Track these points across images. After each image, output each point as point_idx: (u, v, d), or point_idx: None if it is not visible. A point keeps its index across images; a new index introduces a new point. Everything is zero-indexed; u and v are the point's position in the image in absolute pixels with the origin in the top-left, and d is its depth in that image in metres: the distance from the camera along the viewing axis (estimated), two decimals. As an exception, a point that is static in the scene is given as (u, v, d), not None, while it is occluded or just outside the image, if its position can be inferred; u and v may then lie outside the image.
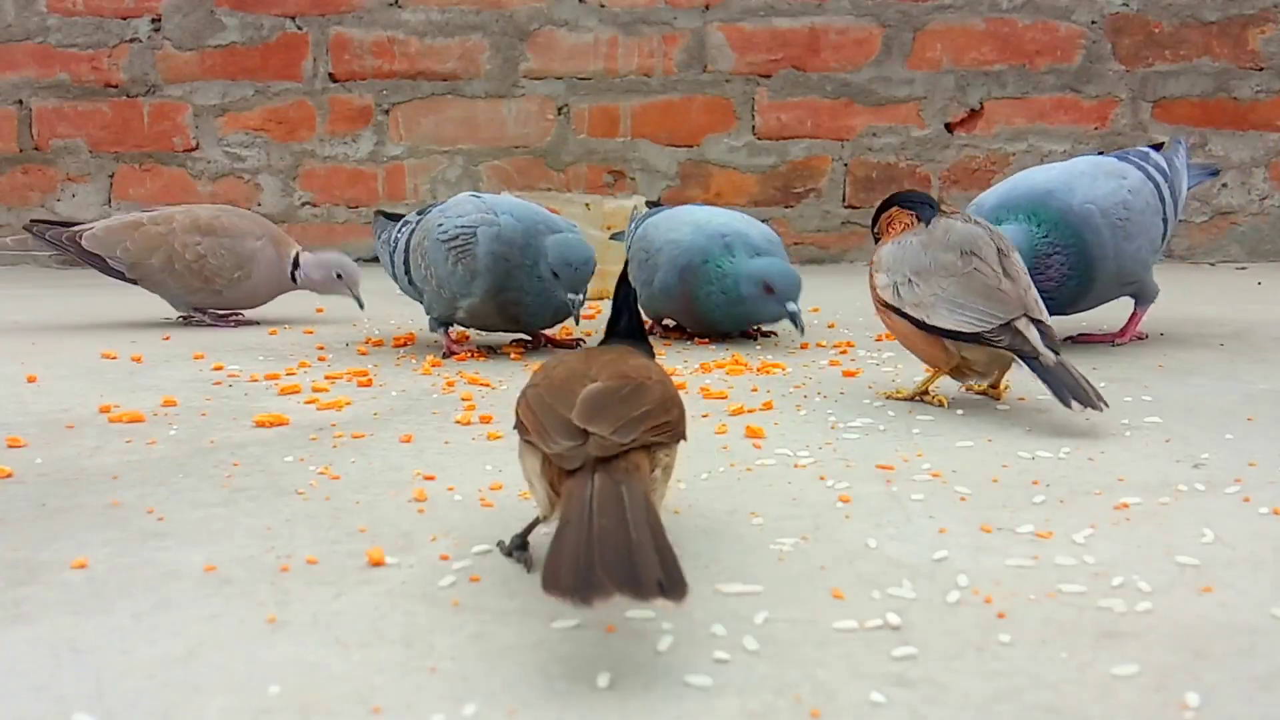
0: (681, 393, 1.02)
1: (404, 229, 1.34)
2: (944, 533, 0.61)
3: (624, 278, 0.66)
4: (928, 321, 0.92)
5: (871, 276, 0.99)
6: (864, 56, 2.41)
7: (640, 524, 0.47)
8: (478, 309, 1.23)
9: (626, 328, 0.66)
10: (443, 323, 1.29)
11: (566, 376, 0.57)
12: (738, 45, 2.42)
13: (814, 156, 2.44)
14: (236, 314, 1.58)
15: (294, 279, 1.53)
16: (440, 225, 1.24)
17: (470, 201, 1.26)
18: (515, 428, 0.58)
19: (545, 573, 0.44)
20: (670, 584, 0.43)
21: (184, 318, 1.57)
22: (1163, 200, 1.25)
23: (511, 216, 1.22)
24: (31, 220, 1.55)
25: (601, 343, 0.67)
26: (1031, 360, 0.88)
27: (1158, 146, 1.35)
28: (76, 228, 1.51)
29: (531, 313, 1.24)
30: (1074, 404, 0.84)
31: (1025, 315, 0.90)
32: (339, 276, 1.52)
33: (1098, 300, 1.24)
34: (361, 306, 1.54)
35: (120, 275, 1.51)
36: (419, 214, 1.33)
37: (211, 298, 1.52)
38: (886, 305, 0.96)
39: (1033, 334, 0.89)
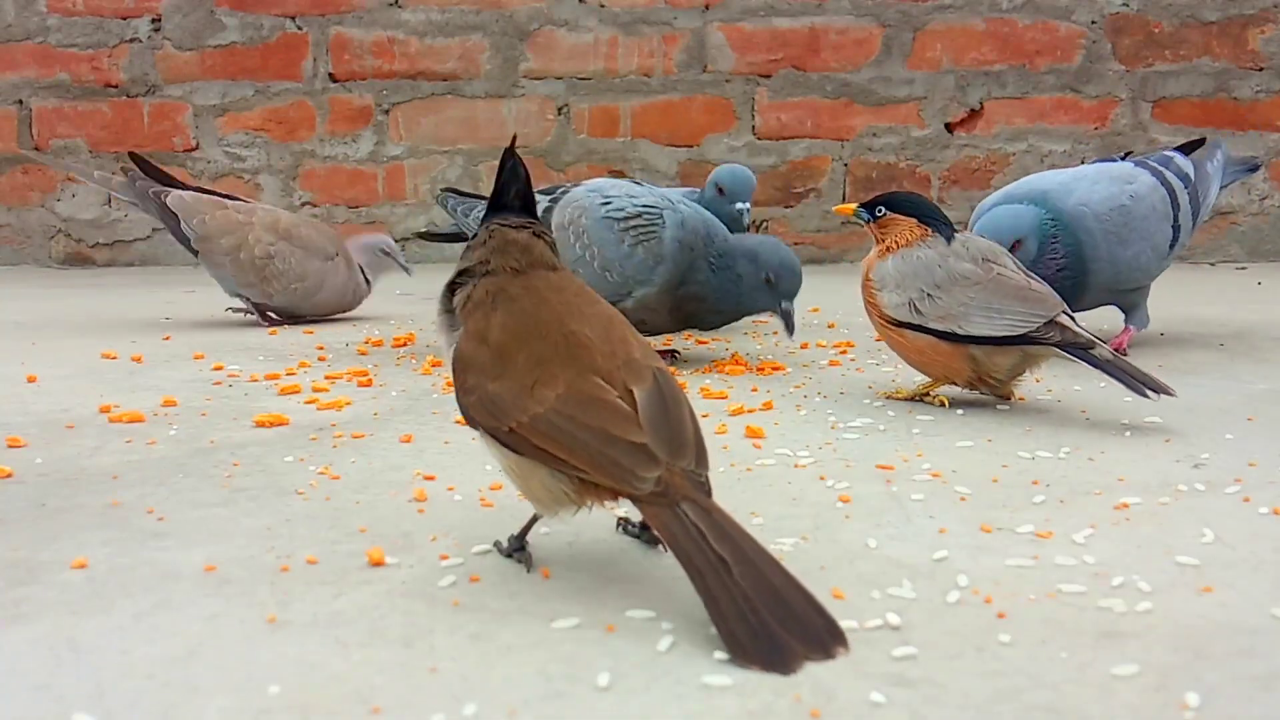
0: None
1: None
2: (944, 533, 0.61)
3: (510, 150, 0.59)
4: (961, 332, 0.90)
5: (871, 294, 0.96)
6: (864, 56, 2.41)
7: (768, 563, 0.47)
8: (653, 300, 1.14)
9: (515, 202, 0.60)
10: None
11: (578, 384, 0.52)
12: (738, 45, 2.42)
13: (814, 156, 2.44)
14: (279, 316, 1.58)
15: (367, 281, 1.61)
16: (607, 203, 1.16)
17: (630, 185, 1.18)
18: (510, 446, 0.53)
19: (727, 642, 0.45)
20: (835, 632, 0.45)
21: (240, 309, 1.58)
22: (1175, 206, 1.22)
23: (687, 207, 1.15)
24: (132, 156, 1.57)
25: (487, 217, 0.60)
26: (1088, 353, 0.87)
27: (1196, 145, 1.32)
28: (167, 186, 1.56)
29: (711, 310, 1.15)
30: (1149, 392, 0.84)
31: (1064, 312, 0.89)
32: (385, 253, 1.62)
33: (1090, 304, 1.23)
34: (410, 273, 1.65)
35: (186, 243, 1.54)
36: (544, 193, 1.22)
37: (261, 296, 1.53)
38: (898, 324, 0.94)
39: (1080, 328, 0.88)
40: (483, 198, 1.33)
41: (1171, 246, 1.23)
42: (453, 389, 0.57)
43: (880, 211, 0.98)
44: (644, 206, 1.14)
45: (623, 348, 0.55)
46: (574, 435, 0.51)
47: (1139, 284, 1.23)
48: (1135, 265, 1.20)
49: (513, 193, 0.60)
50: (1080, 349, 0.87)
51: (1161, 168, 1.24)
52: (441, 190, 1.41)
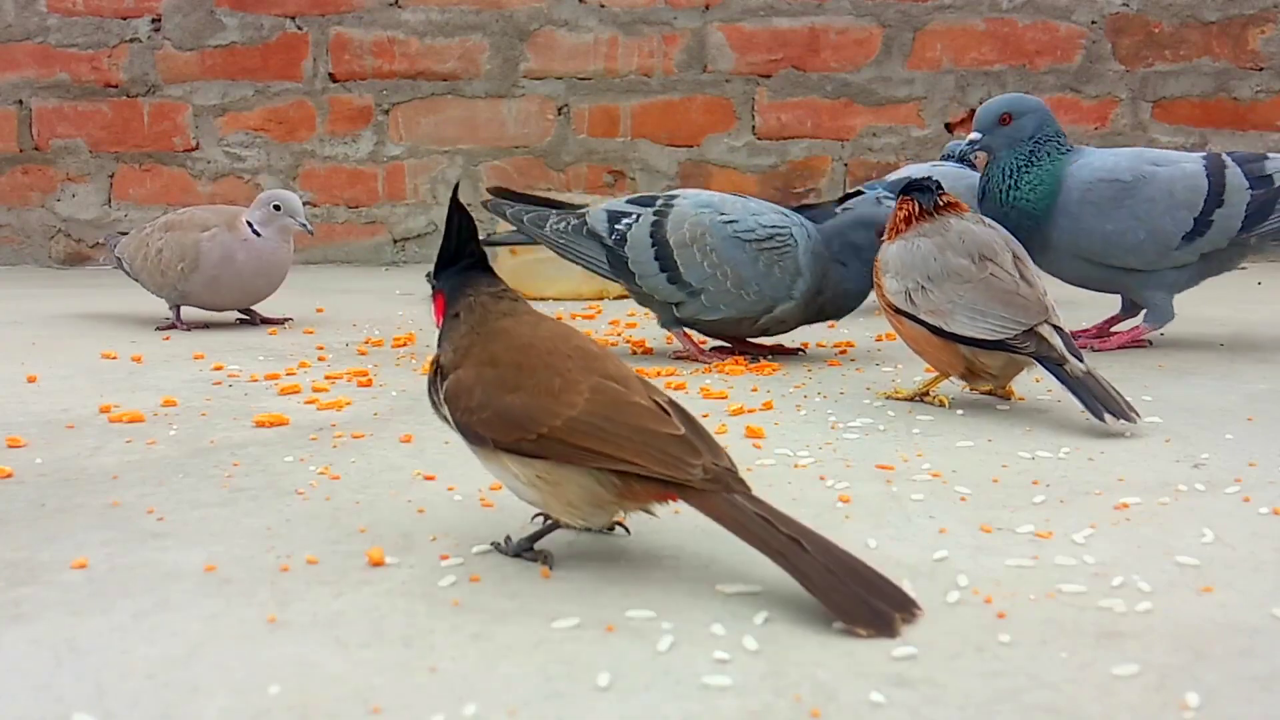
0: (681, 393, 1.02)
1: (628, 221, 1.20)
2: (944, 533, 0.61)
3: (455, 202, 0.59)
4: (946, 329, 0.91)
5: (878, 277, 0.97)
6: (864, 56, 2.41)
7: (828, 541, 0.50)
8: (794, 311, 1.17)
9: (459, 252, 0.60)
10: (679, 322, 1.21)
11: (603, 386, 0.53)
12: (738, 45, 2.42)
13: (814, 156, 2.44)
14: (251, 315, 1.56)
15: (257, 234, 1.47)
16: (733, 221, 1.17)
17: (743, 200, 1.20)
18: (536, 454, 0.53)
19: (834, 610, 0.47)
20: (907, 598, 0.49)
21: (241, 319, 1.57)
22: (1217, 202, 1.18)
23: (796, 216, 1.19)
24: (108, 235, 1.66)
25: (438, 271, 0.60)
26: (1058, 368, 0.86)
27: None
28: (120, 239, 1.61)
29: (855, 296, 1.19)
30: (1107, 417, 0.82)
31: (1047, 321, 0.88)
32: (277, 209, 1.47)
33: (1058, 269, 1.22)
34: (310, 232, 1.49)
35: (130, 275, 1.56)
36: (638, 203, 1.22)
37: (171, 293, 1.49)
38: (897, 310, 0.95)
39: (1057, 341, 0.87)
40: (536, 199, 1.28)
41: (1191, 239, 1.19)
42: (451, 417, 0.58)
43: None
44: (774, 227, 1.17)
45: (624, 368, 0.57)
46: (616, 432, 0.52)
47: (1126, 264, 1.22)
48: (1116, 242, 1.20)
49: (468, 247, 0.60)
50: (1053, 363, 0.87)
51: (1233, 164, 1.20)
52: (491, 197, 1.29)
